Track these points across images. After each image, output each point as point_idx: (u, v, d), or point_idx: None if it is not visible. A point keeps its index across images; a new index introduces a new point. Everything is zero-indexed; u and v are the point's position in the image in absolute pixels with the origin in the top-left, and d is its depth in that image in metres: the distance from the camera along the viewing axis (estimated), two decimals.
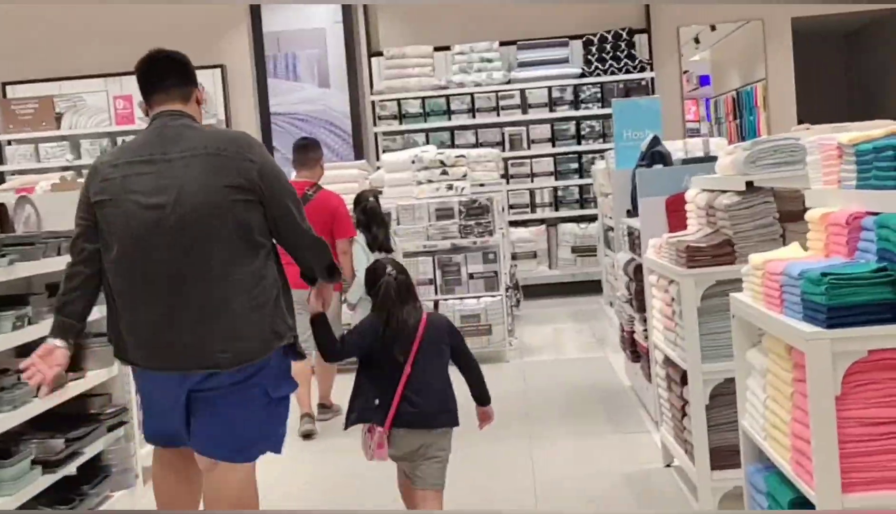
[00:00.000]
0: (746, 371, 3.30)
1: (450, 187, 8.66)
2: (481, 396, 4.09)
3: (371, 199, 6.98)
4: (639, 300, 5.75)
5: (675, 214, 5.48)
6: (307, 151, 6.69)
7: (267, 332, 3.34)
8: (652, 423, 5.82)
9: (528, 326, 9.89)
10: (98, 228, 3.37)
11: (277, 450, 3.57)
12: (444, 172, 8.71)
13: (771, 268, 2.88)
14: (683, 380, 4.51)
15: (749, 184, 4.23)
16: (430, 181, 8.74)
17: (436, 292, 8.33)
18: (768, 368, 2.95)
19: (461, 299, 8.30)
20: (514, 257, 11.54)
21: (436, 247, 8.46)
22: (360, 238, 6.64)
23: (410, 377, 3.83)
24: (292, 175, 6.68)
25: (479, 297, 8.29)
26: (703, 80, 17.57)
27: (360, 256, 6.55)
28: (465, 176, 8.74)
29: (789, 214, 4.43)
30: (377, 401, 3.84)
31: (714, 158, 6.40)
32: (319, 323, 3.84)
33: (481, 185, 9.72)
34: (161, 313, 3.29)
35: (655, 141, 6.64)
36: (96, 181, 3.36)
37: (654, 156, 6.50)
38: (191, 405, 3.38)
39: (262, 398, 3.40)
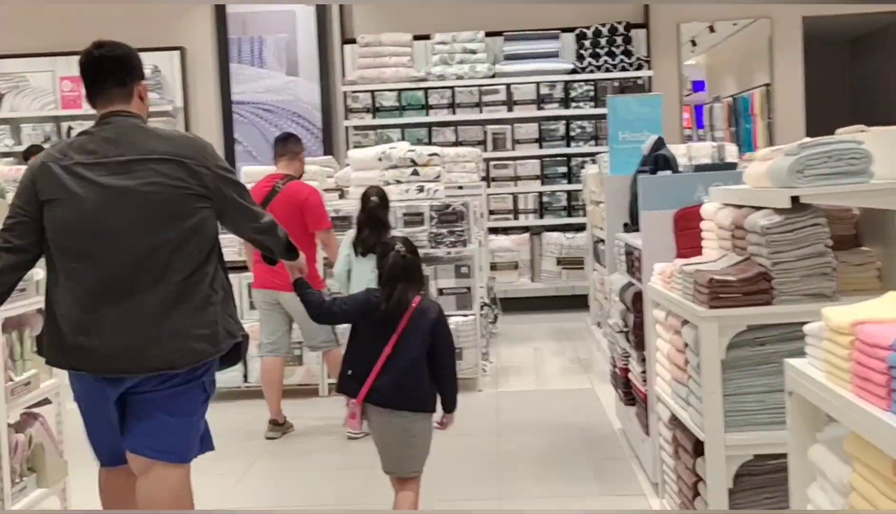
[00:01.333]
0: (806, 472, 2.27)
1: (421, 189, 7.62)
2: (446, 403, 4.05)
3: (374, 198, 5.97)
4: (637, 336, 4.73)
5: (686, 232, 4.47)
6: (287, 143, 6.50)
7: (219, 331, 3.35)
8: (649, 484, 4.80)
9: (505, 345, 8.87)
10: (41, 224, 3.31)
11: (211, 447, 3.56)
12: (416, 172, 7.66)
13: (868, 336, 1.85)
14: (697, 450, 3.49)
15: (794, 199, 3.22)
16: (398, 182, 7.70)
17: None
18: (855, 486, 1.93)
19: None
20: (493, 267, 10.54)
21: None
22: (348, 235, 6.12)
23: (389, 357, 3.89)
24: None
25: (449, 316, 7.23)
26: (697, 86, 16.57)
27: (342, 252, 6.06)
28: (438, 177, 7.69)
29: (838, 241, 3.44)
30: (350, 371, 3.96)
31: (731, 166, 5.42)
32: (300, 283, 3.95)
33: (459, 187, 8.72)
34: (113, 316, 3.25)
35: (660, 143, 5.63)
36: (45, 180, 3.29)
37: (658, 160, 5.49)
38: (126, 406, 3.34)
39: (202, 395, 3.42)
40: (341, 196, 9.31)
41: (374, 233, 5.84)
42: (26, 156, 9.56)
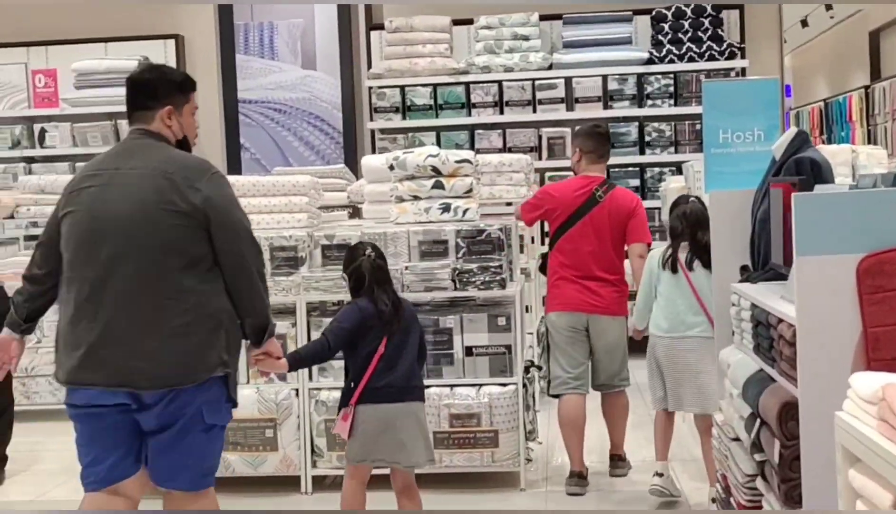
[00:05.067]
0: None
1: (446, 209, 5.61)
2: None
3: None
4: (786, 478, 2.64)
5: (885, 296, 2.39)
6: (602, 138, 5.50)
7: (192, 361, 3.35)
8: None
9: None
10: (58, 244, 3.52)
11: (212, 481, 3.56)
12: (439, 185, 5.64)
13: None
14: None
15: None
16: (416, 198, 5.70)
17: None
18: None
19: (451, 387, 5.24)
20: (546, 302, 8.45)
21: (416, 302, 5.44)
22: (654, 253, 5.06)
23: (383, 356, 4.05)
24: None
25: (479, 385, 5.24)
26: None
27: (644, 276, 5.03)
28: (470, 191, 5.68)
29: None
30: (353, 384, 4.07)
31: None
32: (293, 365, 4.02)
33: (508, 203, 6.70)
34: (96, 328, 3.35)
35: (801, 140, 3.57)
36: (64, 195, 3.54)
37: (801, 167, 3.42)
38: (144, 439, 3.43)
39: (198, 425, 3.40)
40: (353, 215, 7.37)
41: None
42: None
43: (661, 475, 4.86)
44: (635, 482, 5.26)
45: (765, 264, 3.44)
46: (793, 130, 3.63)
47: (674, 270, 4.82)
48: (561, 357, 5.27)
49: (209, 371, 3.36)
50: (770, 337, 2.88)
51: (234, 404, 3.54)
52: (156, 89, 3.57)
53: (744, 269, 3.57)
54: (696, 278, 4.75)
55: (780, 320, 2.73)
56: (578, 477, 5.16)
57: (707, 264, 4.54)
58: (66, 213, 3.47)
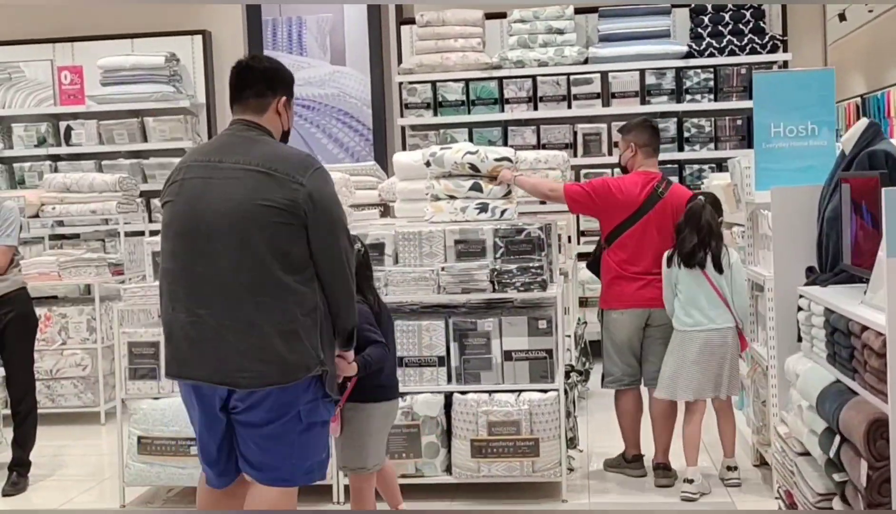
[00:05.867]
0: None
1: (483, 208, 5.39)
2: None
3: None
4: (875, 510, 2.40)
5: None
6: (655, 131, 5.47)
7: (291, 360, 3.30)
8: None
9: (601, 410, 6.48)
10: None
11: (319, 477, 3.53)
12: (477, 187, 5.42)
13: None
14: None
15: None
16: (452, 197, 5.48)
17: (448, 379, 5.07)
18: None
19: (489, 392, 5.01)
20: (583, 303, 8.24)
21: (452, 304, 5.25)
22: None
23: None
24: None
25: (519, 391, 5.01)
26: None
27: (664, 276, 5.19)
28: (508, 193, 5.45)
29: None
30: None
31: None
32: (362, 367, 3.84)
33: (542, 202, 6.47)
34: (191, 321, 3.34)
35: (874, 131, 3.33)
36: (167, 185, 3.51)
37: (875, 160, 3.17)
38: (233, 428, 3.44)
39: (297, 425, 3.37)
40: (384, 213, 7.16)
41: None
42: None
43: (691, 481, 4.95)
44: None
45: (833, 265, 3.20)
46: (864, 122, 3.39)
47: (690, 266, 5.02)
48: (616, 354, 5.27)
49: (308, 370, 3.31)
50: (850, 346, 2.63)
51: (334, 401, 3.51)
52: (274, 78, 3.51)
53: (810, 270, 3.32)
54: (682, 275, 5.06)
55: (865, 328, 2.49)
56: (640, 459, 5.34)
57: (684, 263, 5.02)
58: (165, 202, 3.47)
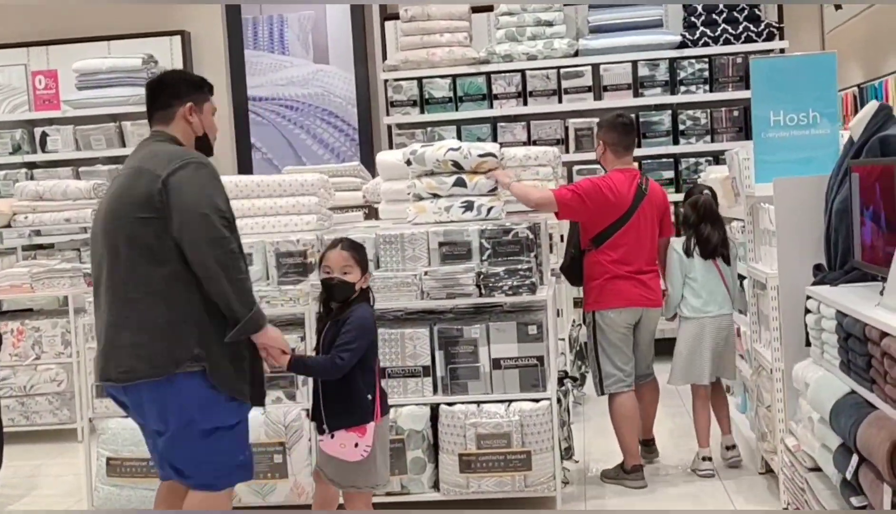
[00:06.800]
0: None
1: (468, 207, 5.11)
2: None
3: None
4: None
5: None
6: (625, 129, 5.33)
7: (160, 356, 3.35)
8: None
9: (598, 416, 6.20)
10: None
11: (243, 478, 3.60)
12: (461, 182, 5.15)
13: None
14: None
15: None
16: (435, 196, 5.20)
17: (434, 390, 4.80)
18: None
19: (478, 403, 4.74)
20: (578, 304, 7.93)
21: (437, 310, 4.96)
22: (675, 243, 5.37)
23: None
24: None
25: (509, 402, 4.74)
26: None
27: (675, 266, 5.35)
28: (495, 189, 5.18)
29: None
30: (369, 396, 3.80)
31: None
32: (295, 367, 3.78)
33: None
34: (98, 323, 3.54)
35: (885, 115, 3.06)
36: None
37: (887, 145, 2.89)
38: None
39: (193, 429, 3.39)
40: (369, 215, 6.89)
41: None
42: None
43: (709, 458, 5.19)
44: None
45: (843, 262, 2.92)
46: (873, 105, 3.12)
47: (704, 256, 5.25)
48: (615, 355, 5.19)
49: (177, 364, 3.35)
50: (867, 354, 2.35)
51: (250, 402, 3.53)
52: (177, 87, 3.65)
53: (818, 268, 3.05)
54: (697, 265, 5.28)
55: (884, 334, 2.21)
56: (641, 469, 5.20)
57: (704, 255, 5.24)
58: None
